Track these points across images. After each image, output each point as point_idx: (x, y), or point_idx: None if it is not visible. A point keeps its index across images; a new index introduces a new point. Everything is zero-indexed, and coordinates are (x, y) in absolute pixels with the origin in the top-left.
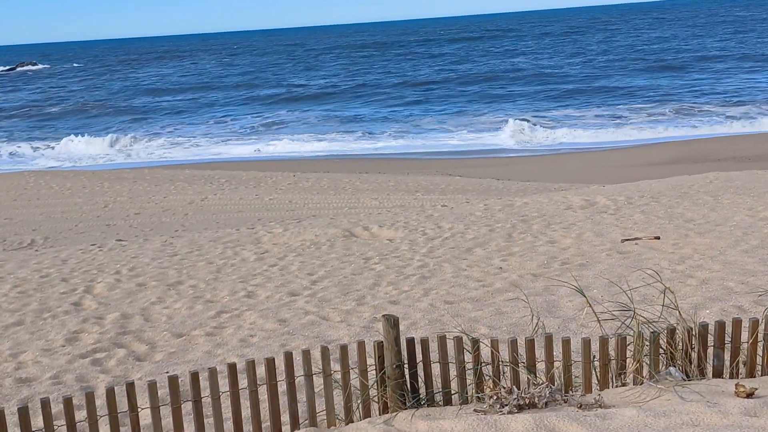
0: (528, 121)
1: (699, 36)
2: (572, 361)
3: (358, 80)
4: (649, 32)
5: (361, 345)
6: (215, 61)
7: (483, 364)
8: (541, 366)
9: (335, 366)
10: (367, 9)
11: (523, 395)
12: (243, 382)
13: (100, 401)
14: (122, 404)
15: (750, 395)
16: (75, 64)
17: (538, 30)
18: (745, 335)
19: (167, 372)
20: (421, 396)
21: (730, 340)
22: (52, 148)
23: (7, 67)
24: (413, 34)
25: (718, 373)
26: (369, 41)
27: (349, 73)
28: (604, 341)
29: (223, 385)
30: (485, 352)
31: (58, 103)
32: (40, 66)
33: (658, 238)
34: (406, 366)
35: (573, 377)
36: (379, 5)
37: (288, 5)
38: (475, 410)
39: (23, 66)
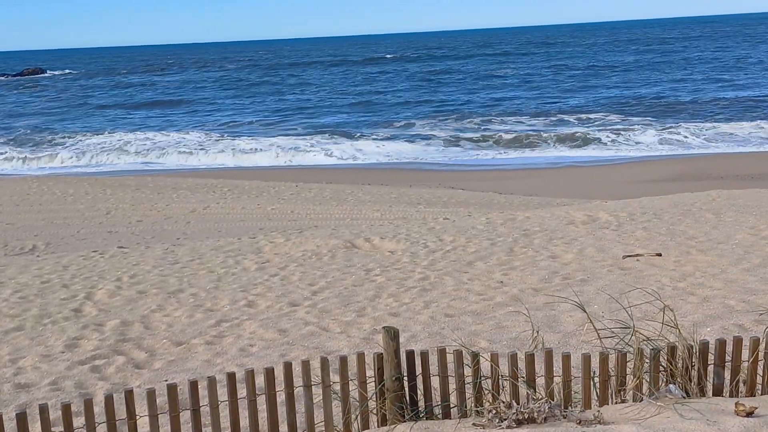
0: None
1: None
2: (572, 377)
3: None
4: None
5: (360, 357)
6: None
7: (482, 378)
8: (540, 381)
9: (334, 377)
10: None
11: (522, 410)
12: (242, 391)
13: (99, 408)
14: (121, 412)
15: (750, 414)
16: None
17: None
18: (745, 354)
19: (166, 380)
20: (420, 409)
21: (730, 358)
22: None
23: (15, 73)
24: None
25: (718, 392)
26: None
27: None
28: (604, 357)
29: (222, 394)
30: (485, 366)
31: None
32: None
33: (659, 254)
34: (405, 378)
35: (572, 393)
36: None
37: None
38: (473, 424)
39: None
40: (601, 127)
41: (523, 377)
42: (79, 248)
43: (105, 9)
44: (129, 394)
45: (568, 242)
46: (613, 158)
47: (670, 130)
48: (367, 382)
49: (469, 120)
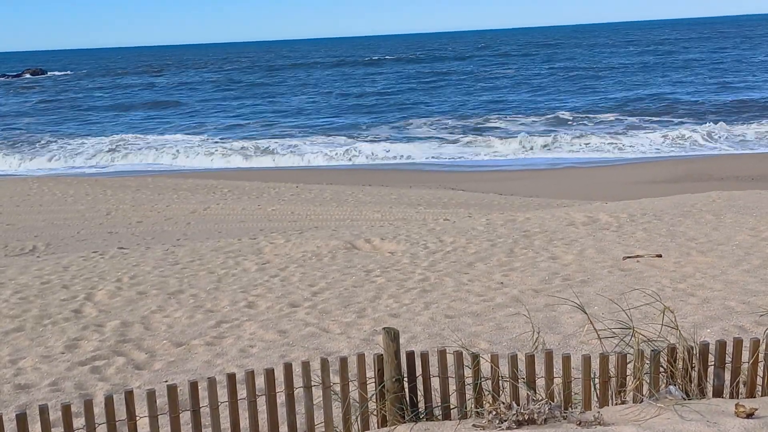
0: None
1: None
2: (572, 378)
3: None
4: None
5: (360, 357)
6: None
7: (482, 379)
8: (540, 382)
9: (334, 378)
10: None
11: (522, 411)
12: (242, 392)
13: (99, 409)
14: (121, 412)
15: (750, 415)
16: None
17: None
18: (745, 355)
19: (166, 381)
20: (420, 410)
21: (730, 359)
22: None
23: (14, 74)
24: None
25: (718, 393)
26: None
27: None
28: (604, 358)
29: (222, 395)
30: (485, 367)
31: None
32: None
33: (659, 256)
34: (405, 379)
35: (573, 394)
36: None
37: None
38: (473, 425)
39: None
40: (601, 128)
41: (523, 378)
42: (80, 249)
43: (106, 10)
44: (129, 395)
45: (568, 243)
46: (613, 159)
47: (670, 131)
48: (367, 383)
49: (469, 121)
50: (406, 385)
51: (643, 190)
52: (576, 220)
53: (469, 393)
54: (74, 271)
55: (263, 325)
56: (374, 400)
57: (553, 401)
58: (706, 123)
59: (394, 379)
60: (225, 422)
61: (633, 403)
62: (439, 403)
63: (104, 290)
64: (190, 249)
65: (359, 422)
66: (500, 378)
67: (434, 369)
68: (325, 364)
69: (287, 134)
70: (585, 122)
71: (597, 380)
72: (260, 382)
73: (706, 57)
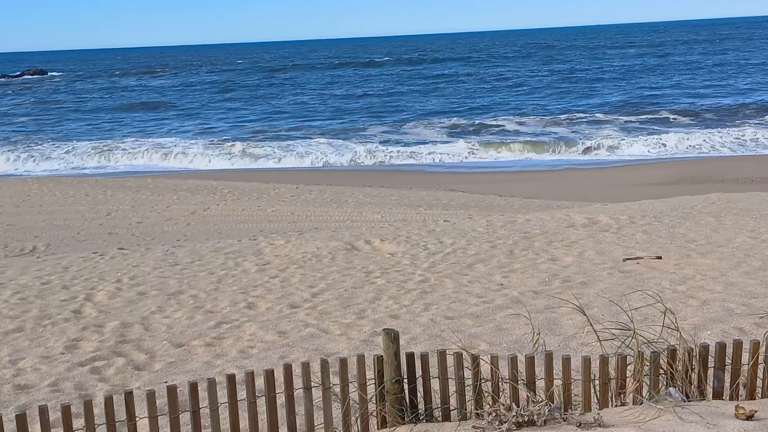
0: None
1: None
2: (572, 380)
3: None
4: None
5: (360, 359)
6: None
7: (482, 381)
8: (540, 384)
9: (334, 379)
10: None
11: (522, 413)
12: (242, 393)
13: (98, 410)
14: (120, 413)
15: (750, 417)
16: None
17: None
18: (745, 357)
19: (166, 382)
20: (419, 411)
21: (730, 361)
22: None
23: (16, 74)
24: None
25: (718, 395)
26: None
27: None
28: (604, 360)
29: (222, 396)
30: (485, 368)
31: None
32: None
33: (659, 257)
34: (405, 381)
35: (573, 396)
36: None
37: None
38: (473, 427)
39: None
40: (600, 130)
41: (523, 380)
42: (79, 249)
43: (105, 11)
44: (129, 396)
45: (568, 245)
46: (613, 161)
47: (670, 133)
48: (367, 384)
49: (468, 122)
50: (405, 386)
51: (643, 192)
52: (576, 222)
53: (469, 394)
54: (74, 272)
55: (263, 326)
56: (374, 402)
57: (553, 403)
58: (705, 124)
59: (393, 381)
60: (225, 423)
61: (633, 404)
62: (439, 405)
63: (104, 291)
64: (190, 250)
65: (359, 423)
66: (500, 379)
67: (434, 370)
68: (324, 365)
69: (287, 135)
70: (584, 123)
71: (597, 382)
72: (260, 383)
73: (706, 59)
